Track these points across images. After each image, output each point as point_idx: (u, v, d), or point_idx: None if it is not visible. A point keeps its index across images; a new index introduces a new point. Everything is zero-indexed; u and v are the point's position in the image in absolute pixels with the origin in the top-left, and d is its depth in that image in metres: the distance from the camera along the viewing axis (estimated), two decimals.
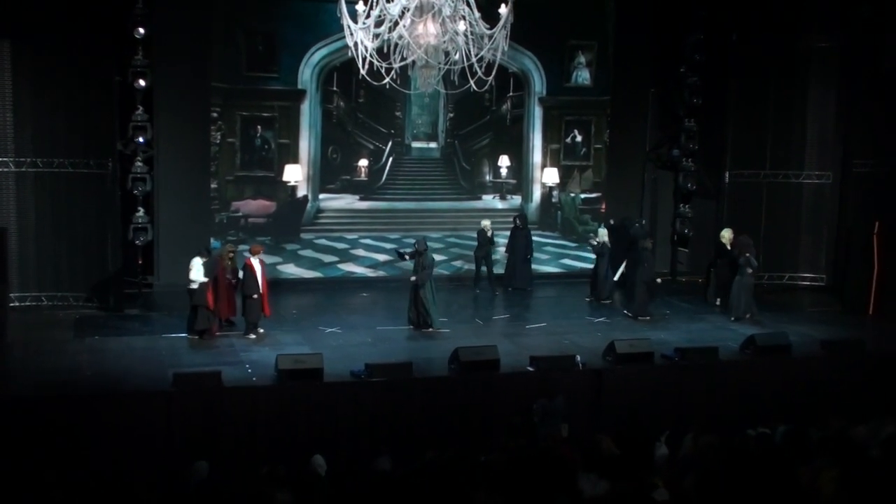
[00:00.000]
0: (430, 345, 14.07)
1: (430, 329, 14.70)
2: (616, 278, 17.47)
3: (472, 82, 11.33)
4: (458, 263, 18.83)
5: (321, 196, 18.28)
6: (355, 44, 10.94)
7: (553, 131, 19.31)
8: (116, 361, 12.89)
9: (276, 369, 12.18)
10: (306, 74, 17.73)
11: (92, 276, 15.80)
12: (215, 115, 17.35)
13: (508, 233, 18.09)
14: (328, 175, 18.25)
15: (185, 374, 11.86)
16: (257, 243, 15.59)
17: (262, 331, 14.25)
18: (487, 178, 19.21)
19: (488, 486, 7.91)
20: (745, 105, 18.58)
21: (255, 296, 14.09)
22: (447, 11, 10.68)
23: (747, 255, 15.87)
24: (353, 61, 11.23)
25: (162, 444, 11.24)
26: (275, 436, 11.55)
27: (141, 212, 16.19)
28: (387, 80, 11.16)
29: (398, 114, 18.57)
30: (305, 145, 17.99)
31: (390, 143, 18.57)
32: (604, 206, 19.54)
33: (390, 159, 18.62)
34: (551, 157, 19.36)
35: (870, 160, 17.85)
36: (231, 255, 14.70)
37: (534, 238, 18.45)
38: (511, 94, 18.93)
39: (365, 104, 18.22)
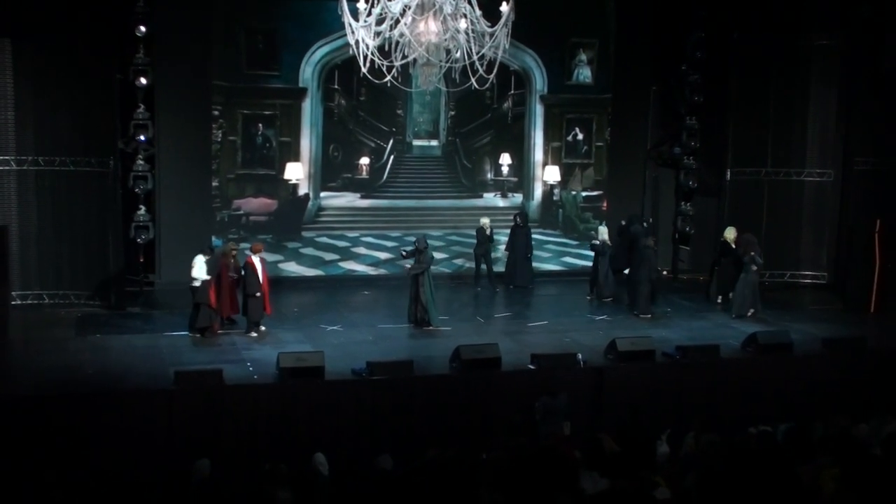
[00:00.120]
0: (431, 343, 14.07)
1: (431, 327, 14.70)
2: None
3: (473, 80, 11.33)
4: (459, 262, 18.83)
5: (322, 194, 18.28)
6: (356, 42, 10.94)
7: (554, 129, 19.31)
8: (118, 360, 12.90)
9: (277, 367, 12.18)
10: (307, 72, 17.73)
11: (93, 275, 15.81)
12: (216, 113, 17.35)
13: (509, 231, 18.09)
14: (329, 173, 18.25)
15: (186, 372, 11.86)
16: (258, 241, 15.60)
17: (263, 329, 14.25)
18: (489, 176, 19.21)
19: (490, 484, 7.90)
20: (746, 103, 18.58)
21: (257, 294, 14.09)
22: (448, 9, 10.67)
23: (752, 253, 15.87)
24: (354, 59, 11.21)
25: (163, 443, 11.24)
26: (276, 434, 11.56)
27: (142, 210, 16.21)
28: (388, 78, 11.15)
29: (399, 112, 18.57)
30: (307, 143, 18.00)
31: (391, 141, 18.57)
32: (605, 204, 19.54)
33: (391, 157, 18.62)
34: (552, 155, 19.36)
35: (871, 158, 17.87)
36: (233, 252, 14.71)
37: (535, 236, 18.46)
38: (512, 91, 18.92)
39: (366, 102, 18.21)
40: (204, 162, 17.32)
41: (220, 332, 14.21)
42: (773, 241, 18.33)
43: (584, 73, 19.28)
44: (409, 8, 10.69)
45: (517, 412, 11.76)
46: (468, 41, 11.00)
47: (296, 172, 17.97)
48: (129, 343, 13.74)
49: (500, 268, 18.20)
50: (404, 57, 11.06)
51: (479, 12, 11.03)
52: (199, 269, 13.99)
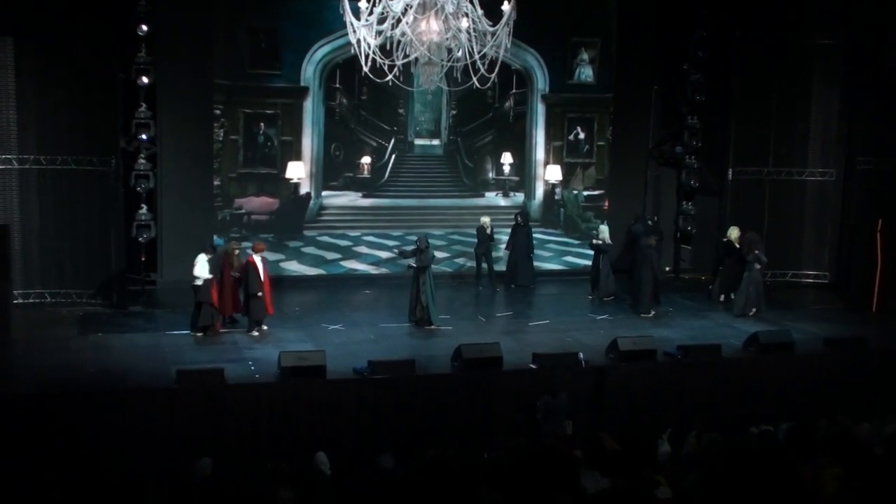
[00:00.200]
0: (432, 342, 14.07)
1: (432, 326, 14.71)
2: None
3: (474, 79, 11.32)
4: (460, 261, 18.83)
5: (324, 193, 18.28)
6: (358, 41, 10.93)
7: (556, 128, 19.30)
8: (120, 358, 12.91)
9: (279, 366, 12.19)
10: (309, 71, 17.73)
11: (95, 273, 15.82)
12: (218, 112, 17.35)
13: (509, 230, 18.08)
14: (331, 172, 18.25)
15: (188, 371, 11.87)
16: (260, 241, 15.60)
17: (266, 329, 14.25)
18: (490, 175, 19.21)
19: (491, 483, 7.89)
20: (748, 102, 18.56)
21: (259, 294, 14.09)
22: (450, 8, 10.67)
23: (756, 251, 15.88)
24: (355, 58, 11.21)
25: (165, 441, 11.25)
26: (278, 433, 11.56)
27: (144, 209, 16.21)
28: (389, 77, 11.15)
29: (401, 111, 18.57)
30: (308, 142, 18.00)
31: (393, 141, 18.57)
32: (606, 204, 19.52)
33: (393, 156, 18.62)
34: (554, 155, 19.35)
35: (873, 157, 17.85)
36: (236, 251, 14.72)
37: (537, 235, 18.47)
38: (514, 91, 18.92)
39: (368, 101, 18.21)
40: (206, 161, 17.32)
41: (221, 331, 14.21)
42: (774, 240, 18.31)
43: (586, 73, 19.27)
44: (411, 7, 10.69)
45: (518, 411, 11.76)
46: (470, 40, 10.99)
47: (297, 171, 17.97)
48: (130, 342, 13.75)
49: (501, 267, 18.20)
50: (406, 56, 11.06)
51: (480, 11, 11.02)
52: (202, 267, 13.99)
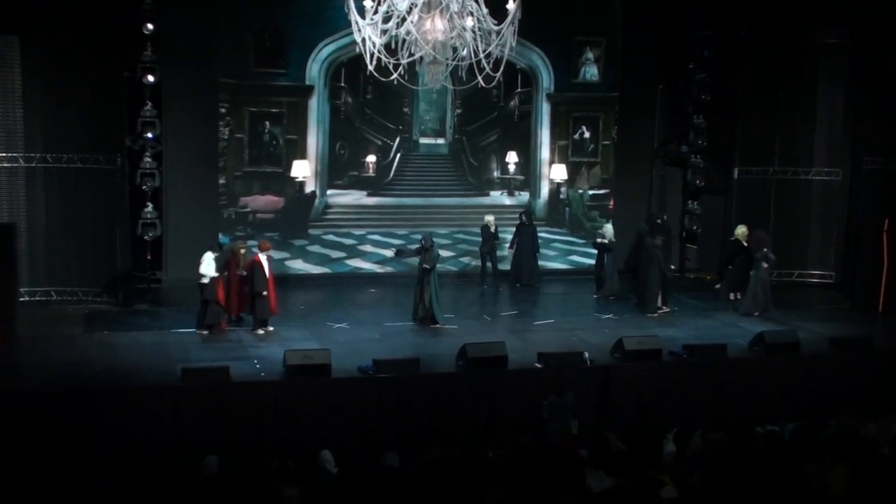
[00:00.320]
0: (437, 341, 14.07)
1: (437, 325, 14.70)
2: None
3: (479, 78, 11.30)
4: (465, 260, 18.83)
5: (329, 192, 18.29)
6: (363, 39, 10.93)
7: (561, 128, 19.28)
8: (125, 356, 12.93)
9: (284, 365, 12.20)
10: (314, 70, 17.74)
11: (101, 272, 15.85)
12: (223, 110, 17.37)
13: (514, 229, 18.07)
14: (336, 171, 18.26)
15: (193, 369, 11.89)
16: (266, 240, 15.61)
17: (271, 329, 14.25)
18: (495, 174, 19.20)
19: (496, 483, 7.90)
20: (753, 101, 18.54)
21: (265, 293, 14.10)
22: (455, 7, 10.65)
23: (765, 249, 15.85)
24: (360, 57, 11.20)
25: (170, 439, 11.27)
26: (283, 431, 11.57)
27: (149, 207, 16.22)
28: (394, 76, 11.14)
29: (406, 110, 18.56)
30: (313, 141, 18.00)
31: (398, 139, 18.57)
32: (612, 203, 19.50)
33: (398, 155, 18.62)
34: (559, 154, 19.33)
35: (879, 157, 17.81)
36: (242, 250, 14.75)
37: (542, 234, 18.45)
38: (519, 90, 18.90)
39: (372, 100, 18.21)
40: (211, 159, 17.34)
41: (227, 328, 14.23)
42: (780, 240, 18.26)
43: (591, 72, 19.24)
44: (416, 6, 10.68)
45: (520, 411, 11.74)
46: (475, 39, 10.98)
47: (302, 170, 17.98)
48: (136, 340, 13.77)
49: (506, 266, 18.19)
50: (411, 55, 11.04)
51: (485, 10, 11.00)
52: (208, 265, 14.02)
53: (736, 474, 7.28)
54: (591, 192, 19.53)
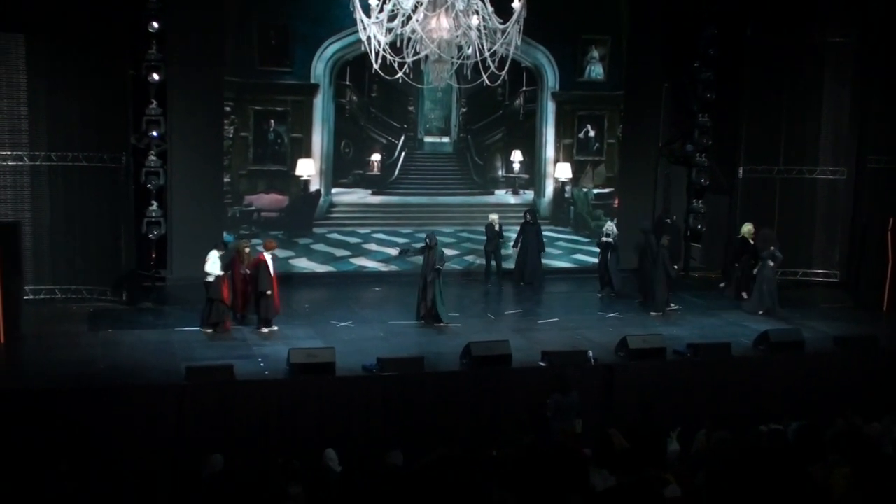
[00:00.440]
0: (441, 339, 14.07)
1: (441, 324, 14.71)
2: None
3: (484, 77, 11.31)
4: (470, 258, 18.83)
5: (334, 190, 18.30)
6: (368, 38, 10.93)
7: (566, 126, 19.28)
8: (130, 355, 12.95)
9: (288, 363, 12.21)
10: (319, 69, 17.74)
11: (105, 270, 15.87)
12: (228, 109, 17.38)
13: (518, 227, 18.07)
14: (341, 169, 18.27)
15: (197, 367, 11.91)
16: (271, 239, 15.61)
17: (276, 328, 14.26)
18: (500, 172, 19.20)
19: (500, 481, 7.90)
20: (758, 100, 18.50)
21: (269, 292, 14.11)
22: (460, 6, 10.66)
23: (772, 248, 15.84)
24: (366, 56, 11.21)
25: (174, 438, 11.28)
26: (287, 430, 11.59)
27: (154, 205, 16.23)
28: (399, 74, 11.15)
29: (411, 108, 18.56)
30: (318, 139, 18.01)
31: (403, 138, 18.58)
32: (616, 202, 19.49)
33: (403, 154, 18.62)
34: (564, 152, 19.33)
35: (884, 156, 17.77)
36: (246, 249, 14.77)
37: (546, 233, 18.44)
38: (524, 88, 18.90)
39: (378, 98, 18.22)
40: (216, 158, 17.35)
41: (231, 327, 14.24)
42: (785, 238, 18.21)
43: (596, 70, 19.24)
44: (421, 4, 10.68)
45: (526, 410, 11.74)
46: (480, 38, 10.98)
47: (307, 168, 17.99)
48: (140, 338, 13.79)
49: (510, 264, 18.19)
50: (416, 53, 11.05)
51: (490, 9, 11.01)
52: (213, 264, 14.03)
53: (740, 473, 7.29)
54: (595, 191, 19.52)
